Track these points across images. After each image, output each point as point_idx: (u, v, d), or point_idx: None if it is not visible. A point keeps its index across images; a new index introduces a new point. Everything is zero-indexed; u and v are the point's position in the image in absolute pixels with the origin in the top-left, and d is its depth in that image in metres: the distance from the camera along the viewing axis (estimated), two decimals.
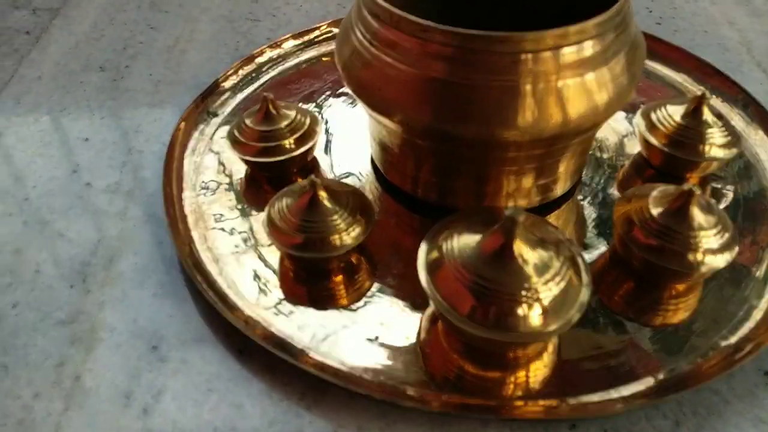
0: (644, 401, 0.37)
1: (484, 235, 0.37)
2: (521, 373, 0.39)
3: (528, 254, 0.36)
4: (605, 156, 0.54)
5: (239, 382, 0.39)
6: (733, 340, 0.40)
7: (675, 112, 0.49)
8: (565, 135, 0.41)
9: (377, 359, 0.39)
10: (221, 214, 0.49)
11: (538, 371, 0.39)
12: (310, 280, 0.44)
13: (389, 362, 0.39)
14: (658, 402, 0.37)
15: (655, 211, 0.41)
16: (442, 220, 0.41)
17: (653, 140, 0.49)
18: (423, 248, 0.39)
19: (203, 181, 0.52)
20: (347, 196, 0.43)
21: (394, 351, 0.40)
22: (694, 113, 0.49)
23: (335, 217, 0.42)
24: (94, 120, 0.60)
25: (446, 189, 0.47)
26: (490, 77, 0.38)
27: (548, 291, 0.36)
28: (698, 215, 0.41)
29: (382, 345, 0.40)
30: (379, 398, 0.36)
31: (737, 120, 0.56)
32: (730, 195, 0.50)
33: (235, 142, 0.50)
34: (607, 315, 0.42)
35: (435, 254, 0.38)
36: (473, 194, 0.46)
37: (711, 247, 0.40)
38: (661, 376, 0.38)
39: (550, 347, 0.40)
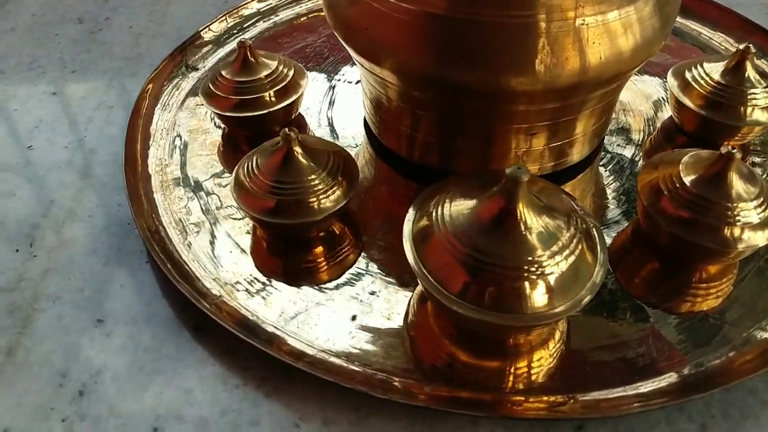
0: (665, 400, 0.31)
1: (481, 200, 0.32)
2: (522, 364, 0.34)
3: (533, 222, 0.31)
4: (631, 121, 0.48)
5: (191, 363, 0.34)
6: None
7: (713, 70, 0.43)
8: (583, 85, 0.35)
9: (354, 342, 0.34)
10: (191, 177, 0.44)
11: (542, 362, 0.34)
12: (287, 252, 0.39)
13: (368, 346, 0.34)
14: (682, 402, 0.32)
15: (688, 179, 0.36)
16: (435, 183, 0.36)
17: (687, 101, 0.43)
18: (410, 215, 0.34)
19: (174, 141, 0.47)
20: (328, 155, 0.38)
21: (376, 334, 0.35)
22: (735, 70, 0.43)
23: (313, 177, 0.37)
24: (65, 73, 0.55)
25: (446, 151, 0.41)
26: (498, 13, 0.33)
27: (555, 266, 0.30)
28: (737, 183, 0.35)
29: (362, 327, 0.35)
30: (348, 387, 0.31)
31: None
32: None
33: (208, 96, 0.45)
34: (626, 299, 0.36)
35: (424, 222, 0.33)
36: (477, 157, 0.41)
37: (750, 221, 0.34)
38: (686, 372, 0.33)
39: (557, 334, 0.35)
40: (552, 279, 0.30)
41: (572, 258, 0.31)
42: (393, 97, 0.40)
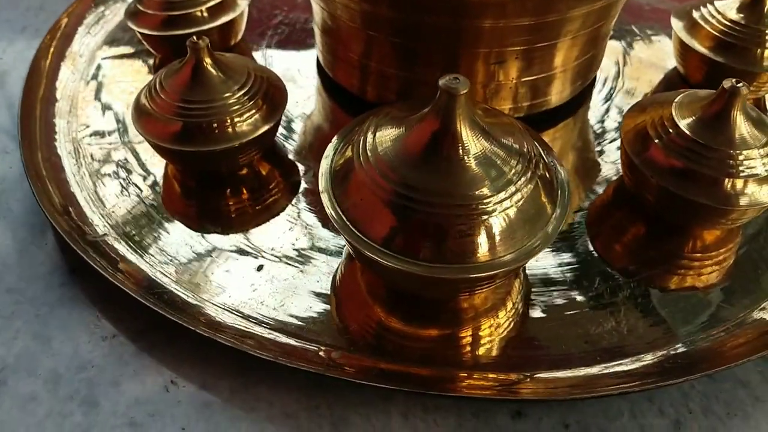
0: (633, 385, 0.25)
1: (411, 123, 0.26)
2: (465, 333, 0.28)
3: (474, 147, 0.25)
4: (627, 69, 0.41)
5: (57, 309, 0.29)
6: None
7: (726, 7, 0.37)
8: None
9: (257, 296, 0.29)
10: (104, 101, 0.39)
11: (488, 332, 0.28)
12: (200, 191, 0.34)
13: (273, 303, 0.29)
14: (653, 388, 0.25)
15: (682, 121, 0.30)
16: (366, 112, 0.30)
17: (694, 43, 0.37)
18: (329, 150, 0.28)
19: (93, 71, 0.41)
20: (248, 74, 0.33)
21: (288, 291, 0.29)
22: (752, 6, 0.36)
23: (227, 95, 0.31)
24: None
25: (403, 84, 0.36)
26: None
27: (500, 205, 0.25)
28: (743, 127, 0.29)
29: (272, 281, 0.29)
30: (232, 346, 0.26)
31: None
32: None
33: (132, 14, 0.39)
34: (598, 265, 0.30)
35: (344, 157, 0.27)
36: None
37: (756, 174, 0.28)
38: (662, 354, 0.27)
39: (509, 303, 0.29)
40: (497, 222, 0.25)
41: (523, 199, 0.25)
42: (343, 16, 0.35)
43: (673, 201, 0.29)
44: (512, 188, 0.25)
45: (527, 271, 0.30)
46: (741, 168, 0.28)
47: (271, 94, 0.33)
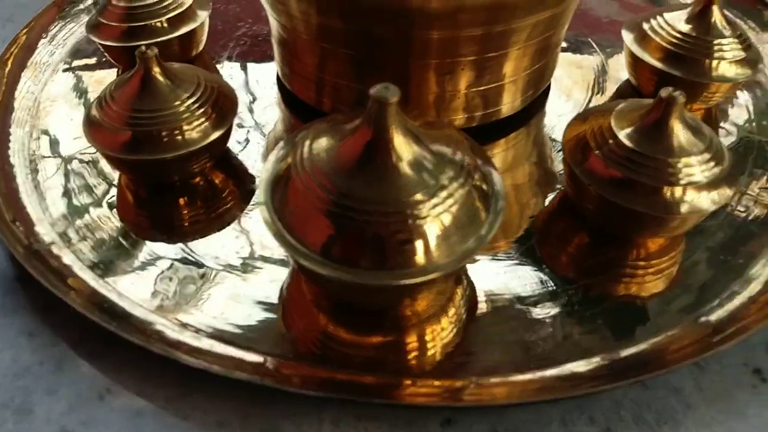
0: (564, 393, 0.25)
1: (345, 132, 0.26)
2: (406, 341, 0.28)
3: (408, 157, 0.25)
4: (582, 80, 0.42)
5: None
6: (712, 317, 0.28)
7: (675, 19, 0.37)
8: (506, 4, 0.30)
9: (202, 306, 0.29)
10: (71, 120, 0.39)
11: (429, 339, 0.28)
12: (152, 202, 0.34)
13: (216, 313, 0.29)
14: (584, 396, 0.26)
15: (621, 131, 0.30)
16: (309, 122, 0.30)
17: (644, 55, 0.37)
18: (270, 159, 0.29)
19: (55, 81, 0.42)
20: (198, 83, 0.33)
21: (233, 300, 0.29)
22: (700, 18, 0.37)
23: (176, 104, 0.32)
24: None
25: (359, 96, 0.36)
26: None
27: (434, 211, 0.25)
28: (681, 135, 0.29)
29: (216, 290, 0.30)
30: (165, 355, 0.26)
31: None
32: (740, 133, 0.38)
33: (93, 26, 0.40)
34: (540, 273, 0.31)
35: (283, 167, 0.28)
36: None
37: (696, 181, 0.29)
38: (596, 361, 0.27)
39: (451, 308, 0.29)
40: (432, 227, 0.25)
41: (456, 205, 0.25)
42: (295, 29, 0.35)
43: (614, 211, 0.30)
44: (445, 194, 0.25)
45: (472, 279, 0.30)
46: (680, 176, 0.29)
47: (220, 103, 0.33)
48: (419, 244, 0.25)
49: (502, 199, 0.27)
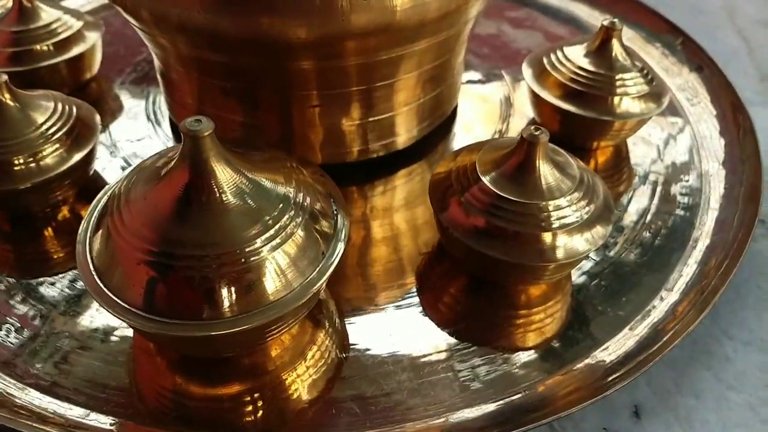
0: None
1: (161, 172, 0.25)
2: (259, 386, 0.27)
3: (231, 193, 0.24)
4: (491, 115, 0.40)
5: None
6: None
7: (574, 54, 0.36)
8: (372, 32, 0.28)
9: (42, 361, 0.27)
10: None
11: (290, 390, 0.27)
12: (12, 235, 0.33)
13: (50, 367, 0.27)
14: None
15: (486, 174, 0.28)
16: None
17: (543, 93, 0.36)
18: (90, 210, 0.27)
19: None
20: (53, 107, 0.32)
21: (73, 352, 0.28)
22: (600, 52, 0.35)
23: (29, 131, 0.31)
24: None
25: (239, 129, 0.35)
26: None
27: (269, 246, 0.24)
28: (548, 174, 0.28)
29: (58, 338, 0.28)
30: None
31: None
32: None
33: None
34: (423, 324, 0.29)
35: (102, 214, 0.26)
36: (279, 138, 0.34)
37: (568, 223, 0.27)
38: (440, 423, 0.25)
39: (311, 353, 0.28)
40: (268, 264, 0.24)
41: (291, 239, 0.24)
42: (170, 59, 0.34)
43: (483, 260, 0.28)
44: (276, 228, 0.24)
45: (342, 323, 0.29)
46: (551, 220, 0.27)
47: (78, 128, 0.32)
48: (258, 283, 0.23)
49: (343, 231, 0.26)
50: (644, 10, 0.47)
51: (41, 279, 0.30)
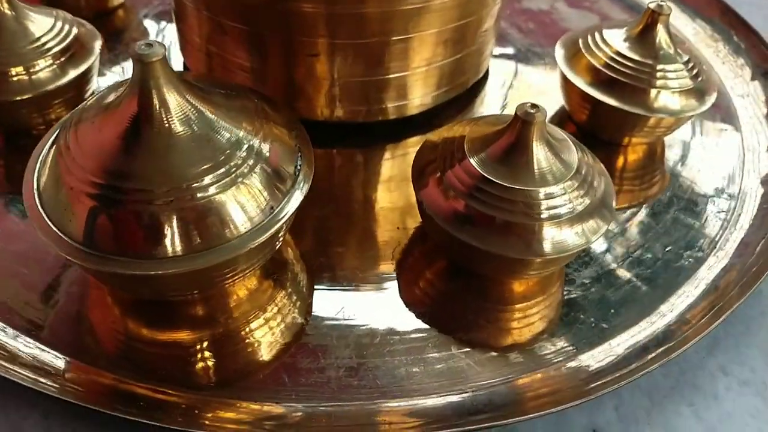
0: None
1: (112, 104, 0.23)
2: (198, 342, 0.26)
3: (181, 123, 0.23)
4: (522, 93, 0.37)
5: None
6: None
7: (613, 37, 0.33)
8: None
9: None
10: None
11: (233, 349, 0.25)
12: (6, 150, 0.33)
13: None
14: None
15: (473, 153, 0.26)
16: None
17: (574, 77, 0.33)
18: (41, 144, 0.26)
19: None
20: (53, 23, 0.32)
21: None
22: (642, 37, 0.32)
23: (23, 43, 0.30)
24: None
25: (250, 76, 0.33)
26: None
27: (216, 187, 0.23)
28: (542, 159, 0.25)
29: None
30: None
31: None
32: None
33: None
34: (402, 312, 0.27)
35: (52, 150, 0.25)
36: (282, 87, 0.32)
37: (558, 213, 0.25)
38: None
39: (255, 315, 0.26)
40: (215, 206, 0.22)
41: (239, 187, 0.23)
42: None
43: (462, 247, 0.25)
44: (231, 167, 0.23)
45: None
46: (540, 209, 0.24)
47: (75, 48, 0.32)
48: (198, 226, 0.22)
49: (302, 182, 0.24)
50: (718, 4, 0.42)
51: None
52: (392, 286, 0.27)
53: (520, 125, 0.25)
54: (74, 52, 0.32)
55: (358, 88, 0.32)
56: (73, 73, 0.31)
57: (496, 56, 0.39)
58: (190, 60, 0.36)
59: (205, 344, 0.25)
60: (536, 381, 0.24)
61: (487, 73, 0.37)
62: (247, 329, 0.26)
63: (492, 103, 0.37)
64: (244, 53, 0.32)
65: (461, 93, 0.35)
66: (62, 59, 0.31)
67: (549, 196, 0.25)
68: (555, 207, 0.25)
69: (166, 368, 0.24)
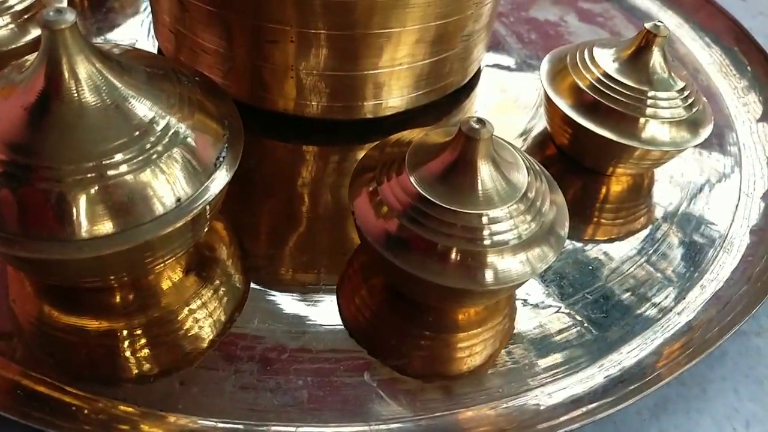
0: None
1: (20, 73, 0.22)
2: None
3: (93, 96, 0.21)
4: (510, 104, 0.35)
5: None
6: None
7: (603, 56, 0.30)
8: None
9: None
10: None
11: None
12: None
13: None
14: None
15: (414, 168, 0.24)
16: None
17: (557, 99, 0.30)
18: None
19: None
20: None
21: None
22: (634, 58, 0.30)
23: None
24: None
25: (218, 60, 0.32)
26: None
27: (133, 164, 0.21)
28: (486, 179, 0.23)
29: None
30: None
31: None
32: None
33: None
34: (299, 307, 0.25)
35: None
36: (248, 76, 0.31)
37: (502, 240, 0.22)
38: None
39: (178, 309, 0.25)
40: (132, 183, 0.21)
41: (154, 167, 0.21)
42: None
43: (395, 271, 0.23)
44: (145, 145, 0.21)
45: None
46: (483, 234, 0.22)
47: (37, 9, 0.30)
48: (122, 202, 0.21)
49: (225, 169, 0.23)
50: (741, 31, 0.39)
51: None
52: (319, 298, 0.26)
53: (464, 141, 0.22)
54: (35, 14, 0.30)
55: (328, 83, 0.30)
56: (30, 36, 0.30)
57: (489, 66, 0.37)
58: (160, 40, 0.35)
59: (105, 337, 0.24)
60: (450, 424, 0.22)
61: (474, 80, 0.35)
62: (155, 330, 0.24)
63: (472, 113, 0.35)
64: (209, 35, 0.31)
65: (441, 99, 0.33)
66: (21, 20, 0.30)
67: (493, 221, 0.22)
68: (499, 233, 0.22)
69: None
